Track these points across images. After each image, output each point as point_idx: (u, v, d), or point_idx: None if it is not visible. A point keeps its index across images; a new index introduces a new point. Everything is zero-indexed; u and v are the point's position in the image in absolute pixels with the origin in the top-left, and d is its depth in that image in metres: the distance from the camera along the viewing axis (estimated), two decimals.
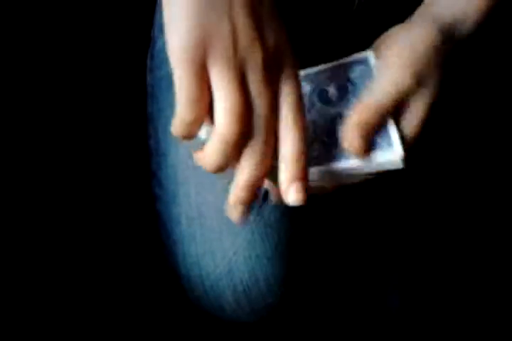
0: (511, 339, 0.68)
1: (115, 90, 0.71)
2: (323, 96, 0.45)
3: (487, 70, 0.69)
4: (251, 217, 0.54)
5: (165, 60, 0.60)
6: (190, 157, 0.56)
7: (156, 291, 0.67)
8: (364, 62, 0.45)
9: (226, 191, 0.56)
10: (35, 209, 0.69)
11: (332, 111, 0.44)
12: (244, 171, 0.40)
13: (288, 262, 0.55)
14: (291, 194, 0.40)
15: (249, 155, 0.39)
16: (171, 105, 0.58)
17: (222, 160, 0.39)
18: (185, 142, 0.57)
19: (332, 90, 0.45)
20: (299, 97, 0.39)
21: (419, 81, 0.42)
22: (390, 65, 0.43)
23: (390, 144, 0.42)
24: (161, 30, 0.62)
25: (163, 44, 0.61)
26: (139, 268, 0.69)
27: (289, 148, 0.38)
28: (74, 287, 0.67)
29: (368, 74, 0.44)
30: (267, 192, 0.55)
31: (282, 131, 0.38)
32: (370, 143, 0.42)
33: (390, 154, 0.42)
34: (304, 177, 0.39)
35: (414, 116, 0.43)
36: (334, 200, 0.62)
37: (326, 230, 0.61)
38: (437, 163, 0.70)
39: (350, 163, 0.42)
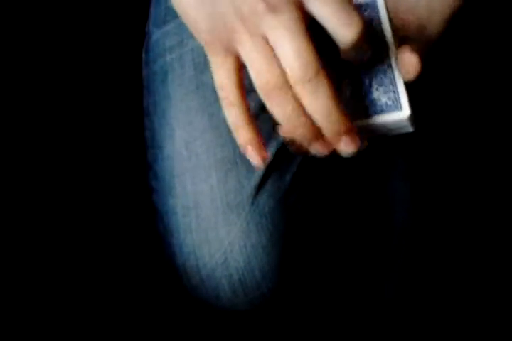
0: (508, 333, 0.69)
1: (112, 84, 0.72)
2: None
3: (487, 69, 0.70)
4: (246, 207, 0.55)
5: (160, 54, 0.61)
6: (186, 149, 0.57)
7: (153, 281, 0.68)
8: (371, 5, 0.43)
9: (221, 182, 0.57)
10: (30, 202, 0.70)
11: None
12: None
13: (283, 251, 0.56)
14: (344, 148, 0.40)
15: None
16: (167, 98, 0.59)
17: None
18: (182, 133, 0.58)
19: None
20: None
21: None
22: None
23: (397, 103, 0.41)
24: (156, 24, 0.63)
25: (158, 38, 0.62)
26: (135, 259, 0.69)
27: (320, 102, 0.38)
28: (70, 277, 0.67)
29: (376, 18, 0.42)
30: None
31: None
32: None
33: (397, 114, 0.40)
34: (349, 129, 0.39)
35: None
36: (330, 188, 0.62)
37: (321, 219, 0.61)
38: (438, 154, 0.70)
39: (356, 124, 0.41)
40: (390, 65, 0.41)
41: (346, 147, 0.40)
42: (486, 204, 0.72)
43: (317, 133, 0.40)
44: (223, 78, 0.40)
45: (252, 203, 0.55)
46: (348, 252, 0.66)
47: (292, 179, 0.57)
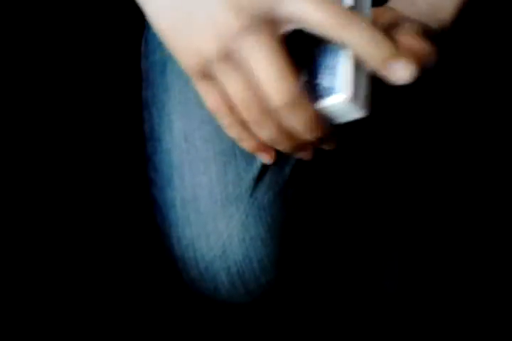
0: (509, 330, 0.69)
1: (111, 75, 0.72)
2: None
3: (487, 69, 0.69)
4: (245, 200, 0.55)
5: (158, 45, 0.60)
6: (185, 141, 0.57)
7: (151, 274, 0.68)
8: None
9: (220, 174, 0.57)
10: (28, 196, 0.70)
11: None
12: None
13: (282, 244, 0.56)
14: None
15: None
16: (166, 90, 0.59)
17: None
18: (180, 126, 0.58)
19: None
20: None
21: None
22: None
23: (335, 86, 0.39)
24: None
25: None
26: (133, 251, 0.69)
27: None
28: (67, 270, 0.68)
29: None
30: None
31: None
32: None
33: (336, 97, 0.38)
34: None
35: None
36: (329, 181, 0.62)
37: (320, 212, 0.61)
38: (436, 156, 0.70)
39: None
40: (334, 49, 0.40)
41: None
42: (486, 198, 0.72)
43: (301, 145, 0.43)
44: (213, 102, 0.40)
45: (251, 195, 0.55)
46: (347, 245, 0.66)
47: (291, 172, 0.57)
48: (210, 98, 0.40)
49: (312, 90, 0.40)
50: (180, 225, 0.57)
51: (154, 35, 0.61)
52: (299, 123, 0.38)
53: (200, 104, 0.57)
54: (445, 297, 0.70)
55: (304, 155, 0.48)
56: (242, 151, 0.55)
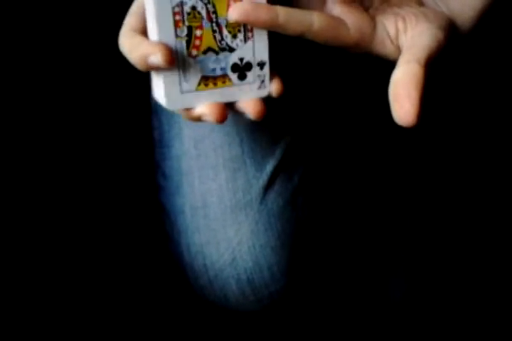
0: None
1: (119, 82, 0.72)
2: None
3: (487, 70, 0.69)
4: (255, 207, 0.55)
5: None
6: (195, 148, 0.57)
7: (160, 282, 0.68)
8: None
9: (230, 181, 0.57)
10: (36, 200, 0.70)
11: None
12: None
13: (291, 251, 0.56)
14: None
15: None
16: None
17: None
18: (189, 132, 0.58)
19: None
20: None
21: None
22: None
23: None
24: None
25: None
26: (142, 258, 0.69)
27: None
28: (75, 278, 0.68)
29: None
30: None
31: None
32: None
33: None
34: None
35: None
36: (338, 189, 0.62)
37: (329, 219, 0.61)
38: (439, 156, 0.70)
39: None
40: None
41: None
42: (488, 202, 0.72)
43: None
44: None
45: (261, 203, 0.55)
46: (356, 253, 0.65)
47: (300, 179, 0.57)
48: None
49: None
50: (190, 232, 0.56)
51: None
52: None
53: None
54: (451, 304, 0.69)
55: None
56: (252, 158, 0.55)
